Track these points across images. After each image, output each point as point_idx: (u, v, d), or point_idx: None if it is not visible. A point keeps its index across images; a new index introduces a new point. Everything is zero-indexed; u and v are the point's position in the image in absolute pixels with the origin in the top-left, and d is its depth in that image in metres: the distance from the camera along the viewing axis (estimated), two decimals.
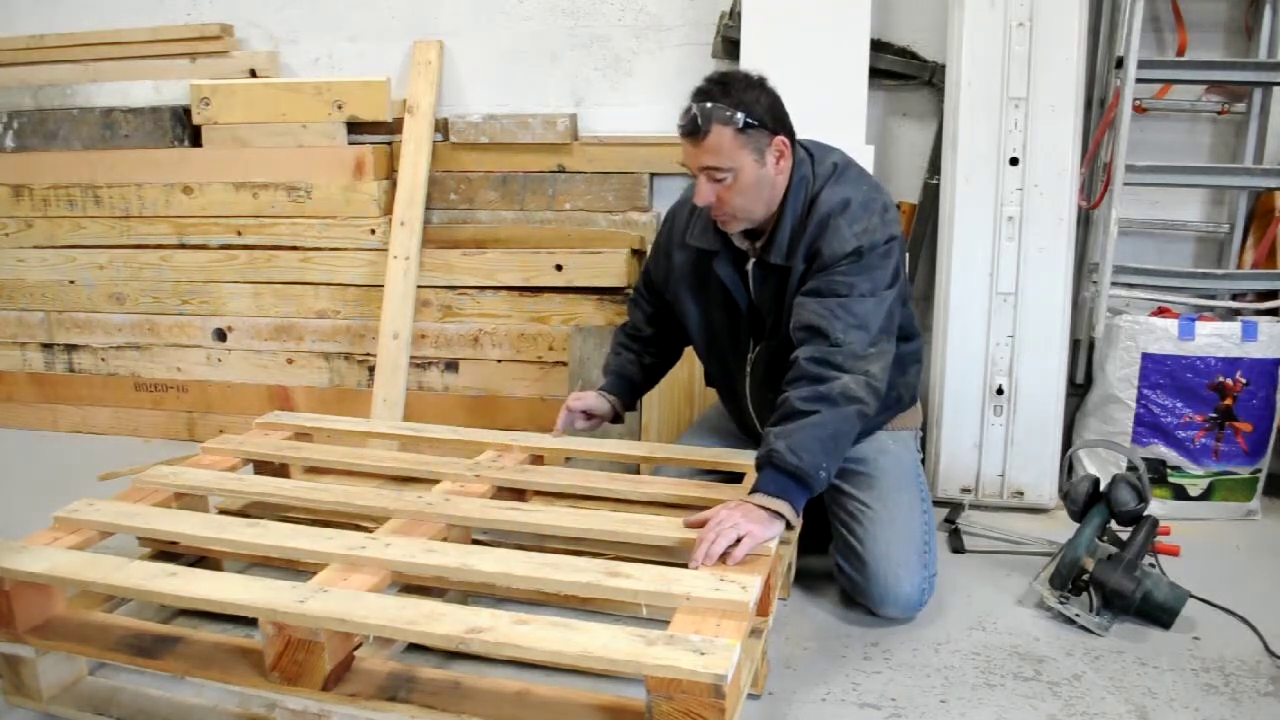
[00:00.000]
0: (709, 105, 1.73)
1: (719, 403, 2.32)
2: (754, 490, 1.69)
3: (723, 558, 1.55)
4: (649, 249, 2.23)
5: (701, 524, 1.64)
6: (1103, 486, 2.08)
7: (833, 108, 2.49)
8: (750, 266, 1.93)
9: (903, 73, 2.75)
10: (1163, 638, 1.92)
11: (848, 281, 1.79)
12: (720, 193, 1.79)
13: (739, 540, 1.56)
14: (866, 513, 1.97)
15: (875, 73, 2.63)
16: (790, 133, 1.84)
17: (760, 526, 1.60)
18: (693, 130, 1.75)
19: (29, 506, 2.28)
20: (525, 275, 2.94)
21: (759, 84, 1.79)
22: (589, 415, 2.17)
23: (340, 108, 2.99)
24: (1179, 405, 2.48)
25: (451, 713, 1.42)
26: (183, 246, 3.16)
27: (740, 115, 1.74)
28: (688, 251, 2.01)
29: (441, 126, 3.04)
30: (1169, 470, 2.52)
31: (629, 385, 2.20)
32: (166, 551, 2.02)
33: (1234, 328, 2.43)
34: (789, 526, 1.68)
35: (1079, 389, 2.71)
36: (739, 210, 1.83)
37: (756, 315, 1.97)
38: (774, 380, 1.98)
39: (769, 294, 1.92)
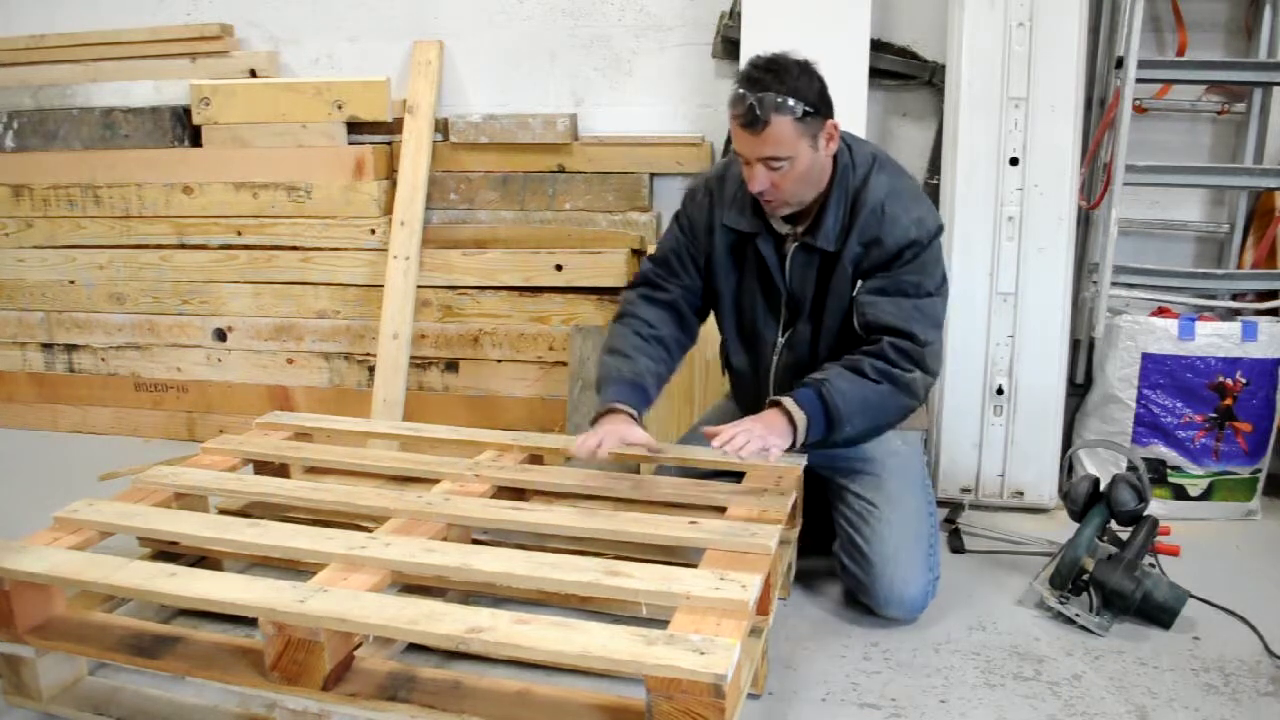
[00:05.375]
0: (767, 95, 1.71)
1: (722, 402, 2.31)
2: (790, 396, 1.83)
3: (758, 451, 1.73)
4: (666, 234, 2.11)
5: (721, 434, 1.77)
6: (1103, 486, 2.08)
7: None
8: (792, 250, 1.94)
9: (903, 73, 2.75)
10: (1163, 638, 1.93)
11: (915, 281, 1.86)
12: (775, 180, 1.79)
13: (765, 450, 1.73)
14: (874, 513, 1.97)
15: (875, 73, 2.63)
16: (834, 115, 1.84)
17: (780, 439, 1.77)
18: (751, 121, 1.73)
19: (29, 506, 2.29)
20: (525, 275, 2.94)
21: (808, 68, 1.77)
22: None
23: (340, 108, 2.99)
24: (1179, 405, 2.48)
25: (451, 713, 1.42)
26: (183, 246, 3.16)
27: (797, 104, 1.73)
28: (726, 232, 2.00)
29: (441, 126, 3.04)
30: (1169, 470, 2.52)
31: (644, 397, 1.95)
32: (166, 551, 2.02)
33: (1234, 328, 2.43)
34: (792, 446, 1.82)
35: (1079, 389, 2.71)
36: (791, 196, 1.84)
37: (794, 298, 1.98)
38: (801, 367, 2.00)
39: (811, 278, 1.95)
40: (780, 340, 2.03)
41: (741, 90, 1.75)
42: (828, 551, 2.06)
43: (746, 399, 2.18)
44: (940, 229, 1.90)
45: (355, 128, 3.05)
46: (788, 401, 1.82)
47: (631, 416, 1.88)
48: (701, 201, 2.04)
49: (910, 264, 1.86)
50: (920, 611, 1.97)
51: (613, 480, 1.99)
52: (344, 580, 1.55)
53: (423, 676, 1.51)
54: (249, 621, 1.68)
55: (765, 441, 1.75)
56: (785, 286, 1.97)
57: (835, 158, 1.87)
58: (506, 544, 1.90)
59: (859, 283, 1.90)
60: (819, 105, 1.77)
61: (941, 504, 2.56)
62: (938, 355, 1.90)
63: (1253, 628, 1.94)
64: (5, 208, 3.26)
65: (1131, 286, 2.55)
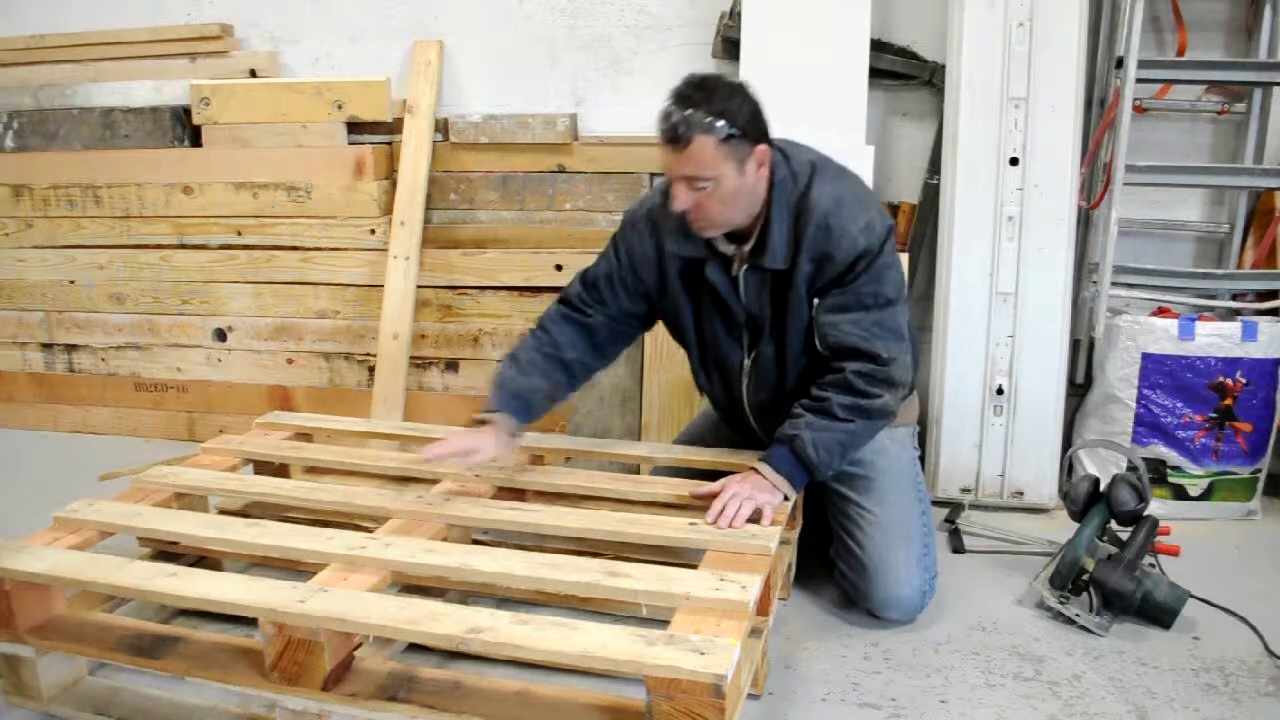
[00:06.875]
0: (691, 113, 1.67)
1: (707, 410, 2.31)
2: (766, 461, 1.86)
3: (747, 521, 1.73)
4: (602, 257, 2.04)
5: (711, 495, 1.80)
6: (1103, 486, 2.08)
7: (833, 108, 2.49)
8: (742, 272, 1.89)
9: (903, 73, 2.75)
10: (1163, 638, 1.93)
11: (872, 291, 1.82)
12: (699, 200, 1.74)
13: (758, 511, 1.75)
14: (866, 517, 1.97)
15: (875, 73, 2.63)
16: (770, 140, 1.79)
17: (770, 495, 1.79)
18: (673, 139, 1.68)
19: (29, 506, 2.28)
20: (525, 275, 2.94)
21: (741, 91, 1.73)
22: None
23: (340, 108, 2.99)
24: (1179, 405, 2.48)
25: (451, 713, 1.42)
26: (183, 246, 3.16)
27: (723, 125, 1.68)
28: (675, 259, 1.95)
29: (441, 126, 3.04)
30: (1169, 470, 2.52)
31: (526, 413, 1.95)
32: (166, 551, 2.02)
33: (1234, 328, 2.43)
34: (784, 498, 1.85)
35: (1079, 389, 2.71)
36: (717, 217, 1.79)
37: (753, 320, 1.94)
38: (772, 385, 1.98)
39: (767, 298, 1.90)
40: (747, 362, 1.99)
41: (668, 107, 1.70)
42: (828, 552, 2.06)
43: (727, 417, 2.18)
44: (890, 229, 1.85)
45: (355, 128, 3.05)
46: (764, 468, 1.84)
47: (506, 430, 1.90)
48: (643, 230, 1.98)
49: (865, 274, 1.81)
50: (918, 612, 1.97)
51: (612, 481, 2.00)
52: (344, 580, 1.55)
53: (423, 676, 1.51)
54: (249, 621, 1.67)
55: (756, 501, 1.76)
56: (742, 309, 1.92)
57: (772, 171, 1.81)
58: (506, 544, 1.90)
59: (815, 300, 1.86)
60: (748, 129, 1.71)
61: (941, 504, 2.56)
62: (905, 366, 1.87)
63: (1253, 628, 1.94)
64: (5, 208, 3.25)
65: (1131, 286, 2.55)
